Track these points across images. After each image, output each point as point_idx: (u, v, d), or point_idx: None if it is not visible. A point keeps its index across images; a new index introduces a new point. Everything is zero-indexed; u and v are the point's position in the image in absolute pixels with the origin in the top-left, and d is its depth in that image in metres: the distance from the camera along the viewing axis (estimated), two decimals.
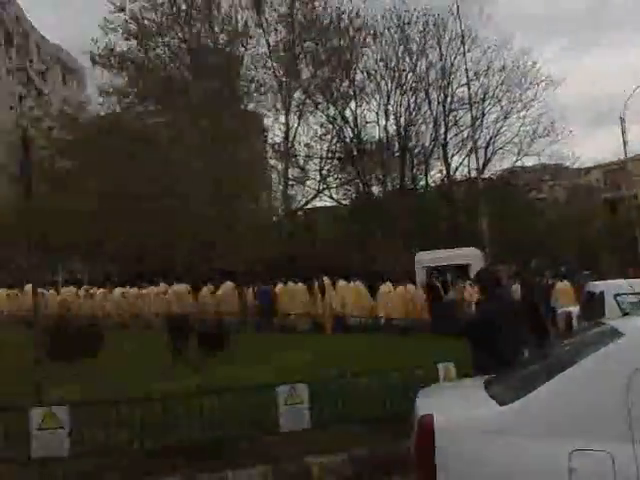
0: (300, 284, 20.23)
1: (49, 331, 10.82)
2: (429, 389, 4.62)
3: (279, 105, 30.01)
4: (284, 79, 29.57)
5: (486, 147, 32.88)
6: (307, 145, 31.93)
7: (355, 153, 32.51)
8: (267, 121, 32.09)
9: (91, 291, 22.55)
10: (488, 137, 32.87)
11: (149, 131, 28.50)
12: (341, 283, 19.32)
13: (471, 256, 20.36)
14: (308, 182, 32.54)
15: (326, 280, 19.33)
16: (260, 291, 20.37)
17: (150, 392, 6.68)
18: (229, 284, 21.03)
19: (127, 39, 24.98)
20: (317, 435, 6.21)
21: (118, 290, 21.95)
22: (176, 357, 10.56)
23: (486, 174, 33.16)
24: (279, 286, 20.51)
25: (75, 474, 5.55)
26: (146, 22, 24.18)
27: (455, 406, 3.84)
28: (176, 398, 6.04)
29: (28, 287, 22.21)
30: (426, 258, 21.37)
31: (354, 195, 34.26)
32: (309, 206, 33.55)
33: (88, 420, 5.60)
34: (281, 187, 31.24)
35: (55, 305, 21.08)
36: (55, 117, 36.63)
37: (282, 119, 30.58)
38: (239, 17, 26.76)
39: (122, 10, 23.83)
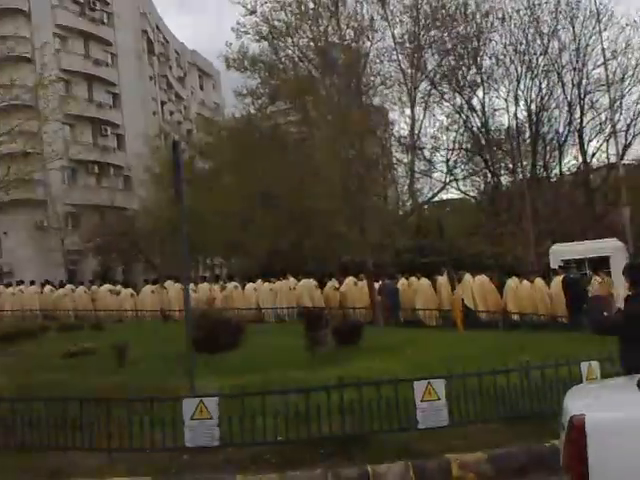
0: (424, 279, 20.08)
1: (194, 324, 11.50)
2: (578, 388, 4.49)
3: (404, 98, 29.90)
4: (409, 71, 29.39)
5: (626, 130, 30.67)
6: (433, 137, 31.55)
7: (483, 142, 31.63)
8: (392, 114, 32.07)
9: (225, 286, 23.59)
10: (628, 120, 30.63)
11: (280, 130, 29.54)
12: (466, 277, 18.94)
13: (612, 248, 19.20)
14: (435, 175, 32.15)
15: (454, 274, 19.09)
16: (385, 286, 20.43)
17: (291, 384, 6.97)
18: (351, 279, 21.34)
19: (258, 41, 25.93)
20: (456, 432, 6.19)
21: (250, 285, 22.77)
22: (313, 349, 10.88)
23: (627, 159, 30.99)
24: (401, 281, 20.50)
25: (225, 463, 5.87)
26: (276, 23, 24.93)
27: (608, 406, 3.73)
28: (318, 390, 6.21)
29: (168, 283, 23.84)
30: (562, 251, 20.42)
31: (482, 186, 33.39)
32: (436, 199, 33.16)
33: (236, 411, 5.87)
34: (407, 181, 31.10)
35: (195, 300, 22.35)
36: (193, 120, 38.92)
37: (407, 112, 30.44)
38: (364, 12, 26.99)
39: (253, 13, 24.74)
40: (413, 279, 20.24)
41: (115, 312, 22.36)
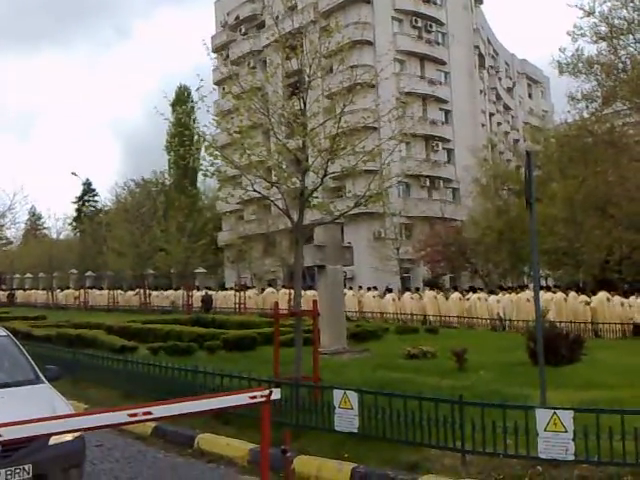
0: None
1: (530, 336, 11.56)
2: None
3: None
4: None
5: None
6: None
7: None
8: None
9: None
10: None
11: (617, 133, 27.52)
12: None
13: None
14: None
15: None
16: None
17: None
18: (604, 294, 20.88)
19: (596, 42, 24.59)
20: None
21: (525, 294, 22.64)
22: None
23: None
24: None
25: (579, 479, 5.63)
26: (616, 21, 23.39)
27: None
28: None
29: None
30: None
31: None
32: None
33: (589, 427, 5.59)
34: None
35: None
36: (520, 130, 38.37)
37: None
38: None
39: (591, 14, 23.54)
40: None
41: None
